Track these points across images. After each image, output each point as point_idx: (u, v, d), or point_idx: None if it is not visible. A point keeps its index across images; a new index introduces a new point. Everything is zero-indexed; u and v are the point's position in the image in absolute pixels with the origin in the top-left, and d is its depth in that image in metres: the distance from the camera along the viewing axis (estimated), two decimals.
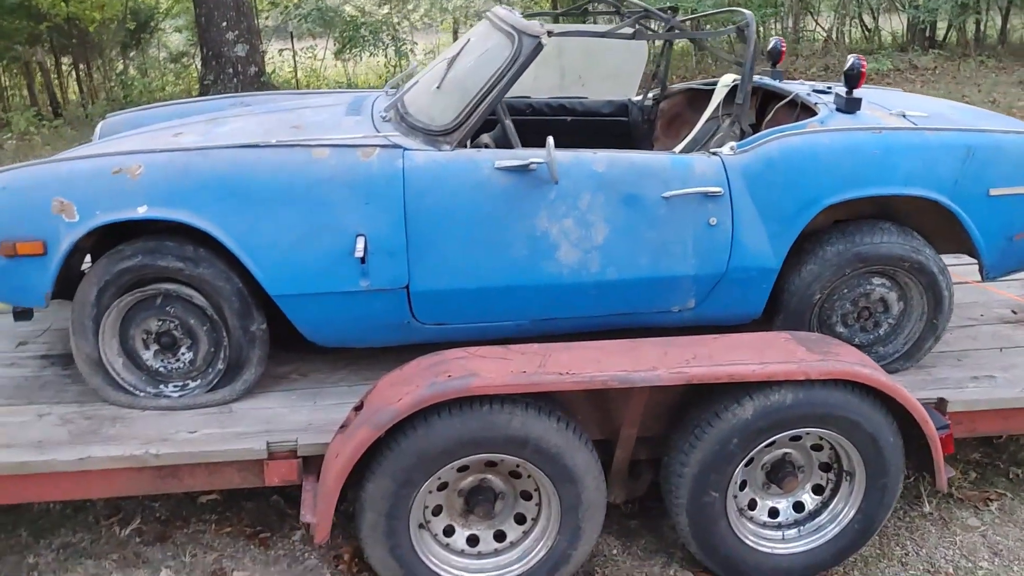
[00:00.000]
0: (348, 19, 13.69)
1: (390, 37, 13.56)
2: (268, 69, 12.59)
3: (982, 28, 15.26)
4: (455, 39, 15.03)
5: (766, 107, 4.02)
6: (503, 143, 3.34)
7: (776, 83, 3.85)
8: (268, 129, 3.27)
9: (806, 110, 3.51)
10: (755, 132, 3.88)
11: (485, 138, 3.36)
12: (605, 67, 4.32)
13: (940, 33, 15.45)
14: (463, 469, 2.80)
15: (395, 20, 14.68)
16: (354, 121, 3.34)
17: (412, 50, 13.71)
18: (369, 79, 13.88)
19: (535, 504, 2.88)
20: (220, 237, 2.97)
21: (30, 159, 9.12)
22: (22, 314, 3.25)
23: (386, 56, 13.46)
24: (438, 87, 3.28)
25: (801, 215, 3.12)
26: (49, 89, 12.25)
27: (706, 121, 3.95)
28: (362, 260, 3.00)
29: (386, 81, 13.53)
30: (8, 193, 2.99)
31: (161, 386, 3.18)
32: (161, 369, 3.17)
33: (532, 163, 3.01)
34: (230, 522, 3.32)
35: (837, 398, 2.77)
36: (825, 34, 15.42)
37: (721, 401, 2.78)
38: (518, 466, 2.80)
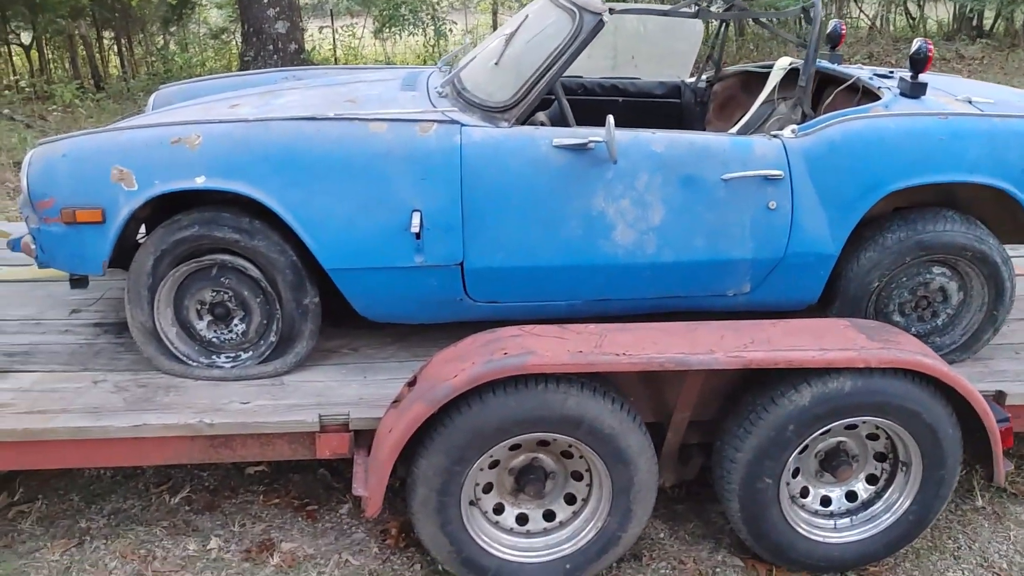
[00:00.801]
0: None
1: (429, 16, 13.49)
2: (307, 47, 12.58)
3: None
4: (494, 19, 14.99)
5: (823, 91, 3.95)
6: (558, 122, 3.31)
7: (835, 67, 3.78)
8: (324, 102, 3.26)
9: (867, 95, 3.45)
10: (813, 116, 3.85)
11: (540, 116, 3.32)
12: (659, 47, 4.27)
13: (987, 23, 15.15)
14: (515, 447, 2.80)
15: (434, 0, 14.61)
16: (410, 96, 3.32)
17: (451, 30, 13.63)
18: (407, 58, 13.83)
19: (586, 485, 2.87)
20: (276, 209, 2.97)
21: (73, 131, 9.25)
22: (78, 281, 3.27)
23: (425, 35, 13.40)
24: (496, 63, 3.25)
25: (863, 201, 3.07)
26: (91, 63, 12.33)
27: (761, 104, 3.90)
28: (417, 235, 2.99)
29: (424, 61, 13.56)
30: (68, 161, 3.00)
31: (214, 356, 3.19)
32: (214, 340, 3.19)
33: (591, 142, 2.98)
34: (278, 494, 3.34)
35: (897, 387, 2.72)
36: (869, 22, 15.18)
37: (778, 387, 2.74)
38: (570, 446, 2.79)
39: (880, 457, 2.96)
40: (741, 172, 3.03)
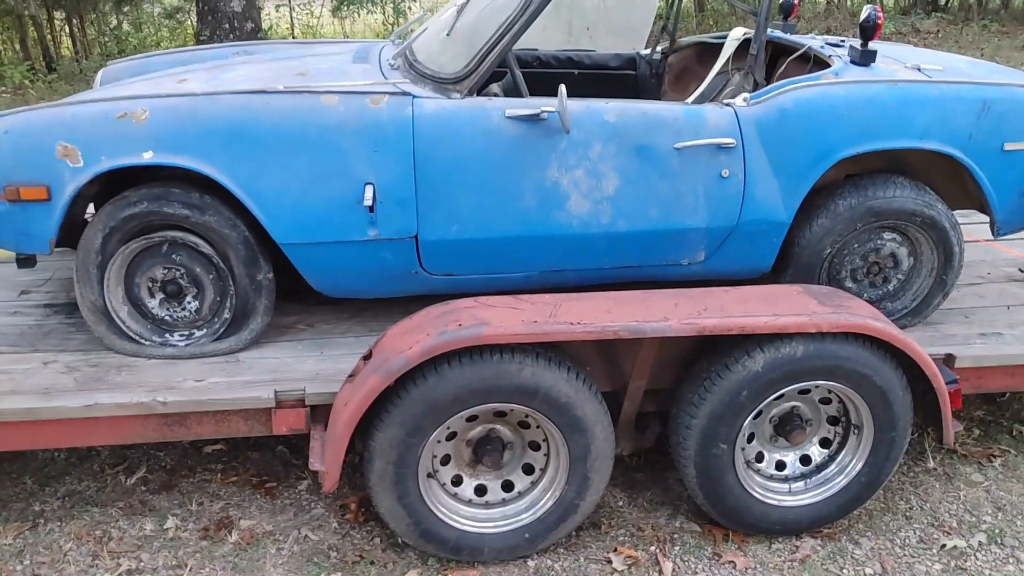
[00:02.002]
0: None
1: None
2: (264, 26, 12.42)
3: None
4: None
5: (777, 61, 3.97)
6: (512, 93, 3.29)
7: (788, 36, 3.80)
8: (274, 76, 3.22)
9: (819, 64, 3.47)
10: (765, 85, 3.86)
11: (494, 87, 3.30)
12: (614, 20, 4.27)
13: None
14: (472, 419, 2.80)
15: None
16: (361, 69, 3.28)
17: (410, 8, 13.53)
18: (366, 36, 13.71)
19: (543, 455, 2.88)
20: (226, 184, 2.93)
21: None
22: (25, 261, 3.21)
23: (384, 13, 13.28)
24: (448, 34, 3.23)
25: (814, 168, 3.09)
26: (43, 43, 12.07)
27: (716, 75, 3.91)
28: (370, 209, 2.97)
29: (379, 38, 13.45)
30: (11, 137, 2.94)
31: (167, 335, 3.16)
32: (167, 318, 3.15)
33: (543, 112, 2.97)
34: (236, 472, 3.32)
35: (848, 351, 2.76)
36: None
37: (731, 353, 2.77)
38: (527, 416, 2.80)
39: (833, 421, 3.01)
40: (693, 141, 3.04)
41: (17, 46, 12.05)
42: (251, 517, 3.08)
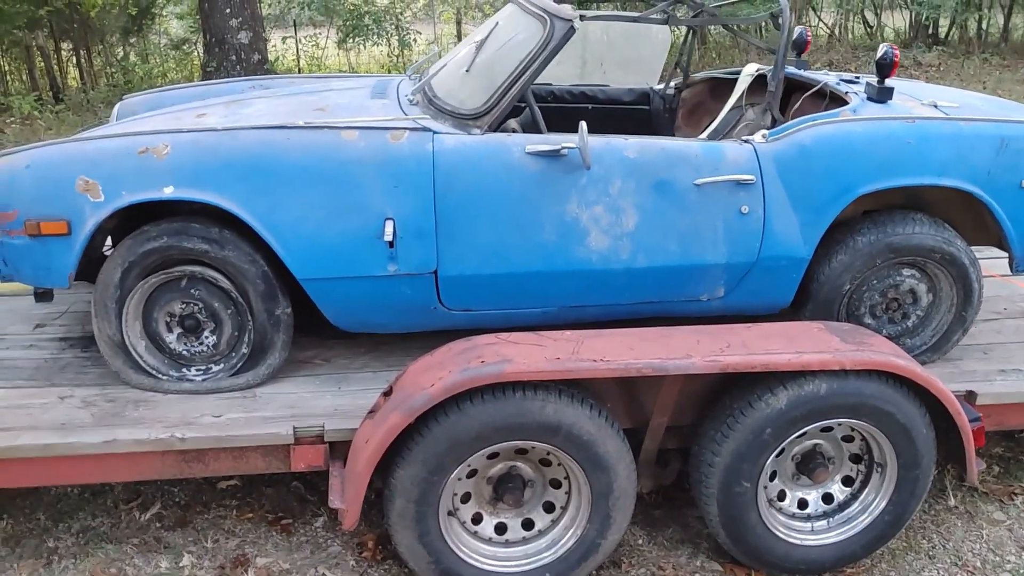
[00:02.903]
0: (351, 8, 13.59)
1: (393, 27, 13.46)
2: (271, 57, 12.51)
3: (984, 26, 15.26)
4: (458, 29, 14.98)
5: (791, 96, 3.99)
6: (530, 128, 3.31)
7: (802, 72, 3.81)
8: (293, 111, 3.23)
9: (835, 100, 3.48)
10: (783, 121, 3.88)
11: (512, 123, 3.31)
12: (627, 54, 4.29)
13: (942, 31, 15.42)
14: (493, 456, 2.78)
15: (398, 10, 14.60)
16: (380, 104, 3.29)
17: (415, 39, 13.62)
18: (371, 68, 13.78)
19: (564, 492, 2.85)
20: (247, 219, 2.93)
21: (31, 142, 9.08)
22: (43, 295, 3.20)
23: (389, 45, 13.36)
24: (467, 70, 3.24)
25: (834, 204, 3.09)
26: (50, 74, 12.14)
27: (730, 110, 3.93)
28: (390, 244, 2.96)
29: (388, 71, 13.52)
30: (32, 171, 2.94)
31: (184, 369, 3.14)
32: (184, 352, 3.13)
33: (564, 148, 2.98)
34: (251, 508, 3.29)
35: (872, 389, 2.74)
36: (828, 30, 15.39)
37: (754, 390, 2.75)
38: (549, 453, 2.78)
39: (855, 459, 2.98)
40: (713, 177, 3.04)
41: (25, 76, 12.12)
42: (267, 555, 3.04)
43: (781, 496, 2.98)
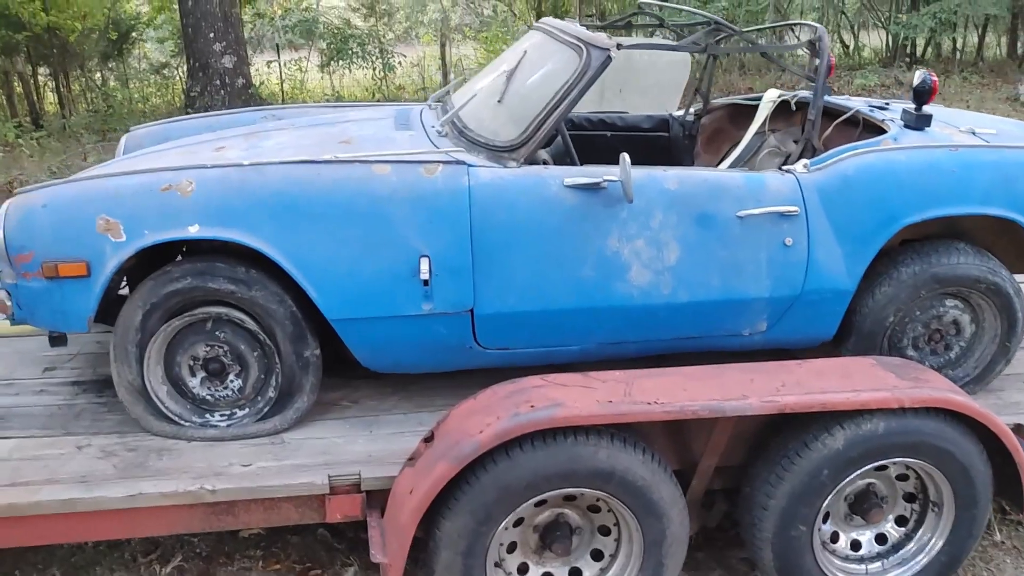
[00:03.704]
0: (335, 31, 13.49)
1: (377, 49, 13.38)
2: (255, 82, 12.37)
3: (959, 45, 15.45)
4: (442, 52, 14.92)
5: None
6: (561, 159, 3.22)
7: (833, 99, 3.75)
8: (317, 144, 3.11)
9: (868, 127, 3.41)
10: (822, 150, 3.82)
11: (543, 154, 3.22)
12: (646, 80, 4.21)
13: (919, 50, 15.58)
14: (540, 503, 2.65)
15: (381, 32, 14.54)
16: (407, 136, 3.19)
17: (399, 63, 13.54)
18: (355, 92, 13.68)
19: (613, 540, 2.74)
20: (276, 258, 2.80)
21: (13, 171, 8.87)
22: (58, 339, 3.06)
23: (373, 69, 13.26)
24: (499, 101, 3.14)
25: (878, 235, 3.02)
26: (29, 100, 11.93)
27: (752, 136, 3.87)
28: (425, 282, 2.85)
29: (373, 95, 13.42)
30: (50, 211, 2.80)
31: (207, 415, 3.00)
32: (208, 397, 3.00)
33: (604, 181, 2.88)
34: (276, 558, 3.14)
35: (931, 427, 2.66)
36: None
37: (810, 430, 2.66)
38: (598, 500, 2.66)
39: (910, 498, 2.89)
40: (756, 209, 2.96)
41: (4, 102, 11.89)
42: None
43: (834, 538, 2.88)
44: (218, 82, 11.87)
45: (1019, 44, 15.66)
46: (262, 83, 13.02)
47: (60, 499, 2.60)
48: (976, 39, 15.70)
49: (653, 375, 2.70)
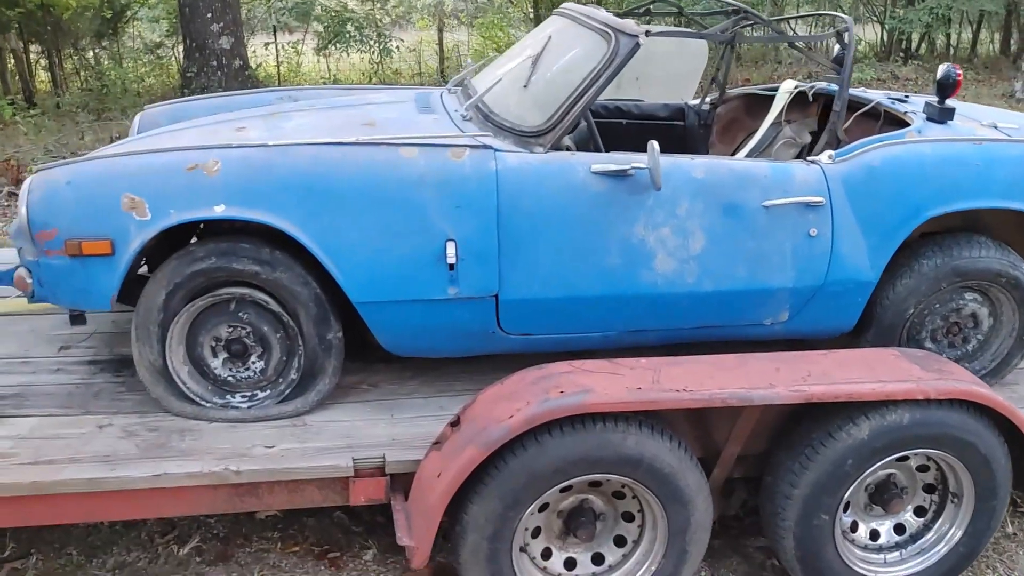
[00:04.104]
0: (333, 14, 13.40)
1: (375, 34, 13.30)
2: (252, 63, 12.28)
3: (952, 41, 15.51)
4: (440, 36, 14.85)
5: (827, 114, 3.95)
6: (583, 146, 3.21)
7: (854, 92, 3.75)
8: (339, 125, 3.09)
9: (888, 120, 3.42)
10: (815, 140, 3.84)
11: (566, 140, 3.21)
12: (663, 69, 4.20)
13: (913, 45, 15.63)
14: (565, 489, 2.66)
15: (377, 16, 14.46)
16: (431, 119, 3.17)
17: (397, 47, 13.46)
18: (352, 76, 13.59)
19: (637, 526, 2.75)
20: (302, 239, 2.79)
21: (8, 148, 8.77)
22: (78, 317, 3.03)
23: (371, 52, 13.18)
24: (525, 86, 3.13)
25: (902, 227, 3.03)
26: (23, 78, 11.80)
27: (768, 127, 3.87)
28: (451, 267, 2.84)
29: (370, 79, 13.34)
30: (74, 188, 2.78)
31: (228, 396, 2.99)
32: (229, 378, 2.98)
33: (632, 168, 2.88)
34: (295, 540, 3.14)
35: (954, 419, 2.68)
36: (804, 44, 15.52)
37: (834, 420, 2.67)
38: (623, 486, 2.67)
39: (929, 488, 2.91)
40: (782, 199, 2.96)
41: None
42: None
43: (854, 527, 2.90)
44: (215, 63, 11.77)
45: (1012, 41, 15.74)
46: (260, 65, 12.93)
47: (85, 478, 2.58)
48: (970, 35, 15.75)
49: (680, 363, 2.71)
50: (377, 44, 13.04)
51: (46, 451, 2.70)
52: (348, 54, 13.21)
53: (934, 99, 3.31)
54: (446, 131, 3.03)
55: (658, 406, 2.51)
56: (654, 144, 2.80)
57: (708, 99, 4.21)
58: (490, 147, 2.90)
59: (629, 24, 3.00)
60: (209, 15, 11.60)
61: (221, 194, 2.76)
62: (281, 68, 13.45)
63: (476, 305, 2.92)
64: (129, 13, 13.86)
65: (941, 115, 3.24)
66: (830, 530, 2.74)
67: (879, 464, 2.71)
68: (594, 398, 2.47)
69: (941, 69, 3.23)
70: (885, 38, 15.52)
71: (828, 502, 2.70)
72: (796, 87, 3.95)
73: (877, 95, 3.63)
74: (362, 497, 2.73)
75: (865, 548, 2.90)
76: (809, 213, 2.99)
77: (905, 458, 2.82)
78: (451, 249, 2.82)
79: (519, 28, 17.07)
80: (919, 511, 2.93)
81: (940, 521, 2.90)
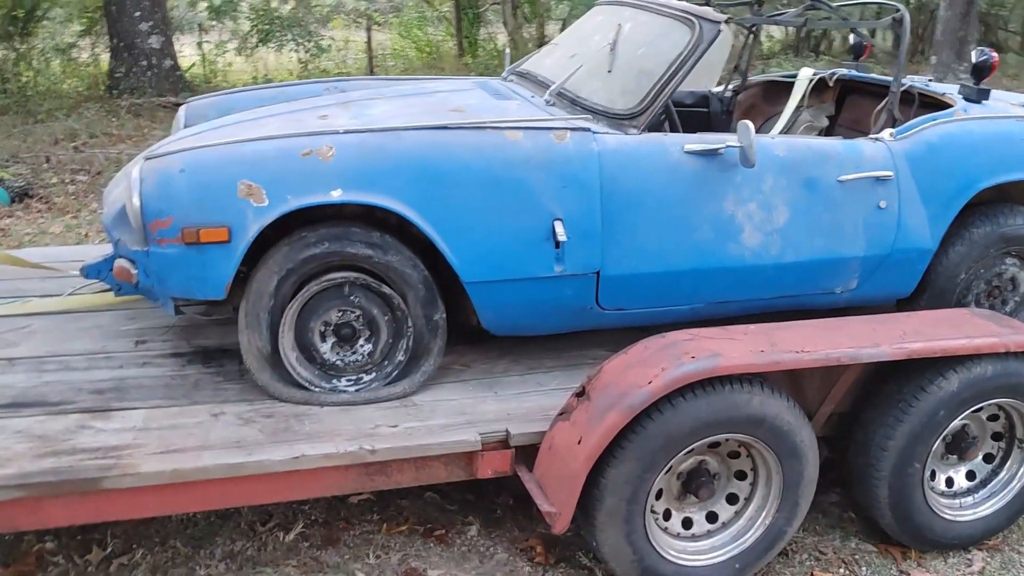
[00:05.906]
0: (260, 13, 13.21)
1: (305, 32, 13.17)
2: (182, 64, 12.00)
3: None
4: (368, 36, 14.78)
5: (844, 97, 4.22)
6: (655, 127, 3.35)
7: (866, 76, 4.03)
8: (427, 112, 3.15)
9: (924, 102, 3.69)
10: (832, 123, 4.10)
11: None
12: None
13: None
14: (688, 451, 2.80)
15: (301, 15, 14.33)
16: (515, 105, 3.27)
17: (329, 45, 13.37)
18: (280, 74, 13.41)
19: (749, 484, 2.91)
20: (417, 222, 2.85)
21: None
22: (178, 309, 3.00)
23: (305, 51, 13.04)
24: (609, 71, 3.25)
25: (959, 198, 3.29)
26: None
27: (791, 111, 4.10)
28: (557, 245, 2.94)
29: (298, 77, 13.19)
30: (188, 176, 2.77)
31: (334, 380, 3.01)
32: (337, 363, 3.01)
33: (725, 147, 3.04)
34: (396, 521, 3.18)
35: None
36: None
37: (924, 375, 2.89)
38: (740, 446, 2.83)
39: (996, 436, 3.17)
40: (856, 174, 3.18)
41: None
42: (438, 567, 2.96)
43: (932, 476, 3.13)
44: (144, 63, 11.49)
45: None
46: (193, 65, 12.63)
47: (227, 463, 2.58)
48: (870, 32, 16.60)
49: (785, 328, 2.89)
50: (311, 42, 12.92)
51: (171, 440, 2.68)
52: (281, 52, 13.02)
53: (969, 82, 3.58)
54: (537, 115, 3.12)
55: (782, 367, 2.67)
56: (748, 124, 2.97)
57: (731, 86, 4.42)
58: (589, 129, 3.01)
59: (710, 11, 3.16)
60: (137, 14, 11.32)
61: (337, 179, 2.79)
62: (208, 68, 13.18)
63: (579, 282, 3.03)
64: (39, 13, 13.33)
65: (979, 95, 3.52)
66: (920, 477, 2.96)
67: (964, 414, 2.94)
68: (725, 361, 2.62)
69: (976, 53, 3.50)
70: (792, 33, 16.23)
71: (920, 451, 2.92)
72: (815, 74, 4.20)
73: (908, 81, 3.89)
74: (489, 470, 2.81)
75: (942, 494, 3.14)
76: (879, 187, 3.21)
77: (979, 409, 3.07)
78: (559, 228, 2.92)
79: (437, 27, 17.15)
80: (987, 458, 3.19)
81: (1008, 464, 3.16)
